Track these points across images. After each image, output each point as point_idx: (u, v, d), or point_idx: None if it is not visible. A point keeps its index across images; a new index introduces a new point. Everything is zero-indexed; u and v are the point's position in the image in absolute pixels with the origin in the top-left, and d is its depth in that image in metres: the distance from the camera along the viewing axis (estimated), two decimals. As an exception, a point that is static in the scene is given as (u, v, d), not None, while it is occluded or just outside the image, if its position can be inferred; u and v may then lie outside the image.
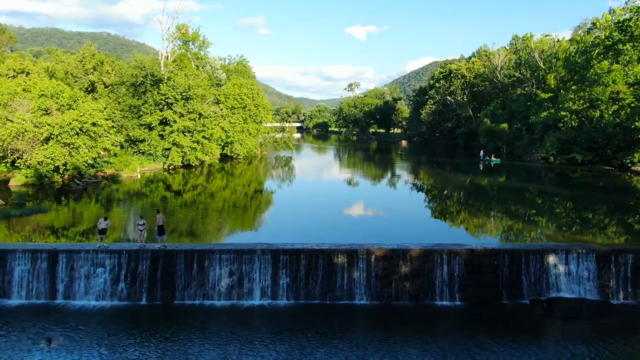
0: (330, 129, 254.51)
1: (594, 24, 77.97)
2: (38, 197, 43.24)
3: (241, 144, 77.99)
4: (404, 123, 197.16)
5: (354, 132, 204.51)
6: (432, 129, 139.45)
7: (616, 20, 65.91)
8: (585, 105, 72.16)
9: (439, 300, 23.89)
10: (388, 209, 44.69)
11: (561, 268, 24.30)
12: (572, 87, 77.37)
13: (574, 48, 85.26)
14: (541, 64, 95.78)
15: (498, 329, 21.29)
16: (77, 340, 19.72)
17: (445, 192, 54.63)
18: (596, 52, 74.79)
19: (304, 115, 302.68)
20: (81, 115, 48.02)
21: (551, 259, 24.29)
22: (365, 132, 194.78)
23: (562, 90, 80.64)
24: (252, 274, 23.97)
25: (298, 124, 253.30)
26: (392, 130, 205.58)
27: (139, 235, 24.83)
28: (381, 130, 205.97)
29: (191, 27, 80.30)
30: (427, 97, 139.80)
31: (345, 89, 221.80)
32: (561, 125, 74.65)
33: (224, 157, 79.81)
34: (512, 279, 24.14)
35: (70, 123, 47.01)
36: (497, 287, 24.10)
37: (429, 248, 24.44)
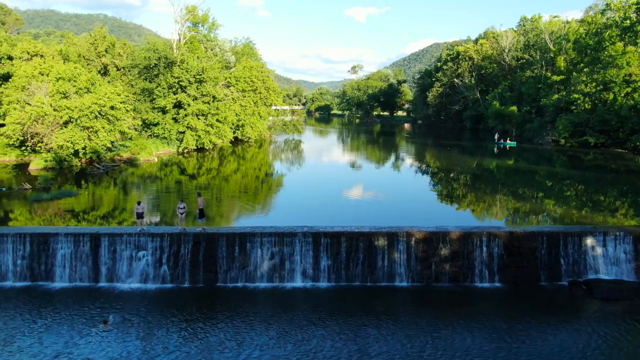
0: (332, 112, 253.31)
1: (607, 4, 77.25)
2: (61, 181, 43.31)
3: (252, 127, 77.74)
4: (408, 106, 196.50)
5: (358, 115, 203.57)
6: (438, 112, 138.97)
7: (633, 1, 65.27)
8: (598, 88, 71.82)
9: (478, 281, 24.18)
10: (415, 192, 44.95)
11: (599, 250, 24.55)
12: (585, 70, 76.92)
13: (585, 30, 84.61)
14: (551, 46, 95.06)
15: (539, 311, 21.51)
16: (129, 322, 19.97)
17: (469, 175, 54.33)
18: (607, 33, 74.30)
19: (305, 98, 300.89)
20: (99, 99, 47.78)
21: (589, 241, 24.52)
22: (369, 115, 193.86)
23: (574, 73, 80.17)
24: (293, 256, 24.18)
25: (300, 107, 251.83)
26: (396, 113, 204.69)
27: (180, 218, 24.97)
28: (385, 113, 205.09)
29: (200, 9, 79.34)
30: (433, 79, 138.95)
31: (349, 71, 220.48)
32: (573, 107, 74.42)
33: (235, 141, 79.61)
34: (550, 260, 24.40)
35: (89, 107, 46.81)
36: (535, 269, 24.38)
37: (469, 230, 24.64)
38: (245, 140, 78.61)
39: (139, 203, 24.72)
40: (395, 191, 45.54)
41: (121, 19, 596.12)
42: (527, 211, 36.26)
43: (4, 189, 38.57)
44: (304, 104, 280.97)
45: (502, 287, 23.98)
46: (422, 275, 24.19)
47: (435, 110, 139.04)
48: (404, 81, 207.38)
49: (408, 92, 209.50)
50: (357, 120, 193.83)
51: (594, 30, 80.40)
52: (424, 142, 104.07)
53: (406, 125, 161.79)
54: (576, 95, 73.50)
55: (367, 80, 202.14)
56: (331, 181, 50.22)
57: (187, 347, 18.07)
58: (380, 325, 19.73)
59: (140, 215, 24.41)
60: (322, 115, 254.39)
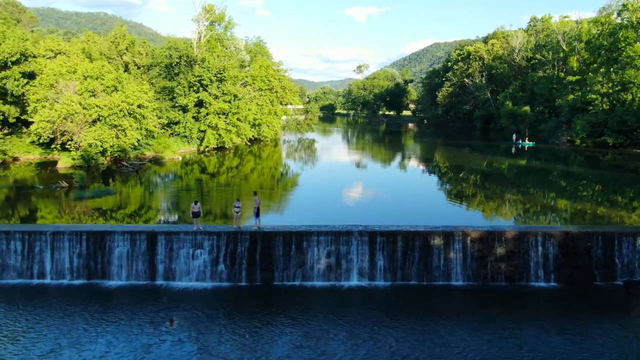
0: (336, 112, 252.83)
1: (624, 5, 77.45)
2: (91, 179, 43.17)
3: (268, 127, 77.58)
4: (413, 106, 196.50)
5: (363, 115, 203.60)
6: (447, 112, 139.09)
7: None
8: (616, 88, 71.99)
9: (534, 281, 24.25)
10: (449, 191, 45.05)
11: (653, 250, 24.60)
12: (600, 70, 77.07)
13: (597, 30, 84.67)
14: (564, 46, 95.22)
15: (598, 310, 21.63)
16: (195, 321, 19.85)
17: (497, 175, 54.16)
18: (621, 34, 74.40)
19: (308, 97, 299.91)
20: (127, 97, 47.82)
21: (643, 240, 24.59)
22: (375, 115, 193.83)
23: (589, 73, 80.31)
24: (349, 255, 24.21)
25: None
26: (402, 113, 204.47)
27: (235, 217, 25.00)
28: (390, 113, 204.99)
29: (217, 8, 78.96)
30: (443, 79, 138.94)
31: (354, 70, 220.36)
32: (591, 108, 74.55)
33: (251, 140, 79.34)
34: (605, 260, 24.48)
35: (118, 105, 46.83)
36: (590, 268, 24.46)
37: (524, 230, 24.72)
38: (262, 139, 78.55)
39: (195, 202, 24.73)
40: (427, 190, 45.67)
41: (121, 18, 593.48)
42: (566, 210, 36.26)
43: (41, 187, 38.59)
44: (306, 103, 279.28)
45: (558, 287, 24.04)
46: (478, 274, 24.26)
47: (444, 110, 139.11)
48: (411, 81, 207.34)
49: (412, 91, 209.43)
50: (361, 120, 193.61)
51: (607, 31, 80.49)
52: (438, 142, 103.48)
53: (410, 125, 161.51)
54: (594, 96, 73.61)
55: (373, 79, 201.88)
56: (352, 180, 50.20)
57: (252, 346, 17.89)
58: (452, 326, 19.58)
59: (196, 215, 24.41)
60: (325, 115, 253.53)
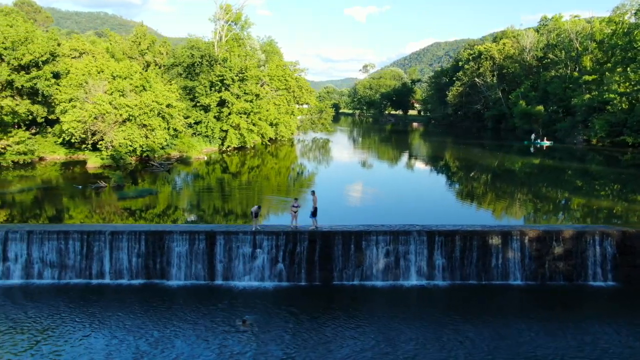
0: (340, 111, 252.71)
1: (641, 5, 77.63)
2: (127, 180, 43.02)
3: (285, 126, 77.56)
4: (419, 106, 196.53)
5: (369, 114, 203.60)
6: (457, 111, 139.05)
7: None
8: (635, 88, 72.06)
9: (592, 280, 24.31)
10: (481, 189, 44.95)
11: None
12: (617, 69, 77.16)
13: (611, 30, 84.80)
14: (577, 45, 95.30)
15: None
16: (263, 322, 19.73)
17: (528, 175, 54.02)
18: (637, 33, 74.59)
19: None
20: (157, 97, 47.83)
21: (700, 240, 24.63)
22: (382, 114, 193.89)
23: (607, 73, 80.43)
24: (408, 254, 24.25)
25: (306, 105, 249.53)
26: (408, 112, 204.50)
27: (293, 216, 25.02)
28: (396, 112, 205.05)
29: (235, 8, 78.84)
30: (453, 78, 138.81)
31: (360, 70, 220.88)
32: (609, 107, 74.57)
33: (269, 139, 79.25)
34: (662, 259, 24.52)
35: (148, 104, 46.82)
36: (647, 267, 24.52)
37: (581, 229, 24.77)
38: (279, 138, 78.55)
39: (259, 207, 24.82)
40: (461, 190, 45.57)
41: (122, 17, 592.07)
42: (611, 209, 36.09)
43: (80, 187, 38.56)
44: (307, 103, 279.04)
45: (617, 286, 24.09)
46: (536, 273, 24.31)
47: (454, 110, 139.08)
48: (418, 80, 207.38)
49: (418, 91, 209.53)
50: (367, 119, 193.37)
51: (621, 31, 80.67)
52: (450, 141, 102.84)
53: (418, 125, 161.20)
54: (612, 95, 73.66)
55: (379, 79, 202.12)
56: (382, 179, 50.14)
57: (328, 346, 17.90)
58: (525, 327, 19.51)
59: (255, 215, 24.43)
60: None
